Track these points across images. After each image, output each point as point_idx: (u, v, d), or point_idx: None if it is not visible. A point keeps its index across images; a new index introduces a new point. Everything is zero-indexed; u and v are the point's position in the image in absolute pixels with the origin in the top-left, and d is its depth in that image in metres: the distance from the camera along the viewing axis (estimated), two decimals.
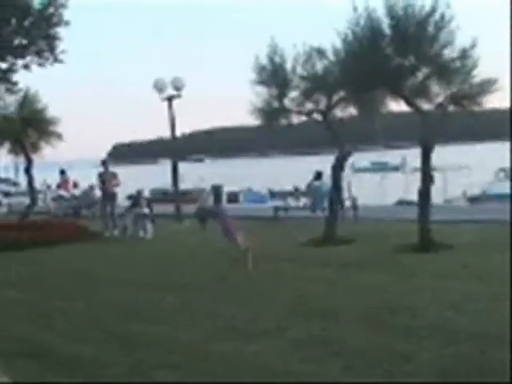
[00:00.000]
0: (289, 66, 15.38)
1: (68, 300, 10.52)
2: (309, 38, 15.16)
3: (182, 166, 29.16)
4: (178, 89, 24.98)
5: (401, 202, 30.68)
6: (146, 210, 19.84)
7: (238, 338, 7.65)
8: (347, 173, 19.22)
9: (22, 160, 25.37)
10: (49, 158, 26.16)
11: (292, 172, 44.15)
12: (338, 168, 15.91)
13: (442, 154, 23.31)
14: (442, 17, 12.93)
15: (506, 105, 18.61)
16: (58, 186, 31.75)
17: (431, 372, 6.10)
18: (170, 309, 9.48)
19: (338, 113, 15.57)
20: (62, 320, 9.15)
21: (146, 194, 30.60)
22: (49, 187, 34.10)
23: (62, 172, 31.48)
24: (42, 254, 16.16)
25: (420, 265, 11.86)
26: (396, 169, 71.04)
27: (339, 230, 15.55)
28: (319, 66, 14.94)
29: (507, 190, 30.10)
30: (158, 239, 18.40)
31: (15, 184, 47.95)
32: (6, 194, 41.54)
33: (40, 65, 15.36)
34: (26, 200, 26.58)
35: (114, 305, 10.00)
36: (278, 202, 23.55)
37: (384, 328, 7.72)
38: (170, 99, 25.12)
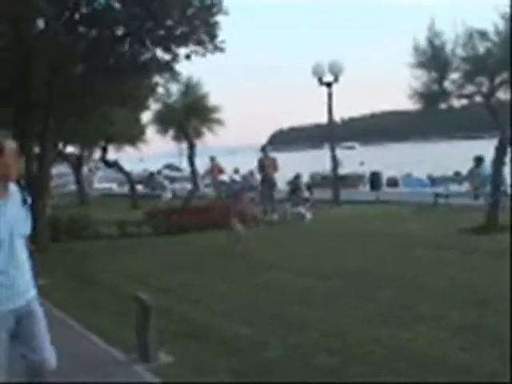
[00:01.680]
0: (449, 47, 15.03)
1: (228, 282, 10.87)
2: (469, 19, 14.77)
3: (340, 152, 29.21)
4: (335, 74, 25.02)
5: None
6: (306, 194, 20.08)
7: (394, 324, 7.64)
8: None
9: (185, 146, 26.33)
10: (211, 144, 27.08)
11: (453, 157, 43.02)
12: (500, 153, 15.37)
13: None
14: None
15: None
16: (209, 172, 32.68)
17: None
18: (331, 294, 9.57)
19: (501, 95, 15.05)
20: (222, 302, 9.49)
21: (306, 178, 31.01)
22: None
23: (212, 159, 32.31)
24: (202, 237, 16.72)
25: None
26: None
27: (502, 218, 15.03)
28: (480, 47, 14.50)
29: None
30: (317, 223, 18.55)
31: (179, 170, 49.60)
32: (171, 180, 43.18)
33: (201, 54, 15.77)
34: (189, 185, 27.61)
35: (275, 288, 10.22)
36: (439, 188, 23.04)
37: None
38: (328, 84, 25.23)
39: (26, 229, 4.59)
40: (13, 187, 4.56)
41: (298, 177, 21.97)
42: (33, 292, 4.66)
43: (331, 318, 8.15)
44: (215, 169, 31.95)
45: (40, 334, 4.66)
